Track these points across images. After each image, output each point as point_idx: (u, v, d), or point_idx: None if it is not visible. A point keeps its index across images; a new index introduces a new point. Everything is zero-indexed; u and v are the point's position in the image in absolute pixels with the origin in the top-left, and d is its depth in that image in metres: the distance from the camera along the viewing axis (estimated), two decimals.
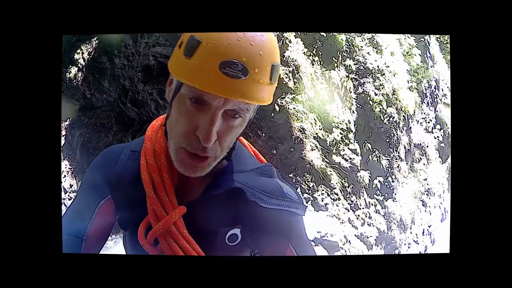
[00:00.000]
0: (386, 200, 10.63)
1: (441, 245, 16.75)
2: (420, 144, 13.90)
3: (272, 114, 9.04)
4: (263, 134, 9.00)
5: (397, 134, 10.96)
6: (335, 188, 9.36)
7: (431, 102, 17.38)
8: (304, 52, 10.08)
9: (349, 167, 9.58)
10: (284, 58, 9.43)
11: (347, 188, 9.60)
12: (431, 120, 16.13)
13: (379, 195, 10.43)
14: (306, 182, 9.22)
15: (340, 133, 9.65)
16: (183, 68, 1.57)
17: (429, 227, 14.47)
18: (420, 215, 13.39)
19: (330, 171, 9.31)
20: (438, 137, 15.78)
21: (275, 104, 9.04)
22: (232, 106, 1.59)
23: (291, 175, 9.22)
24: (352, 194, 9.74)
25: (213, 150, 1.67)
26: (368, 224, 10.05)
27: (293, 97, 9.19)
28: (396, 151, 10.93)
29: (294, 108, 9.15)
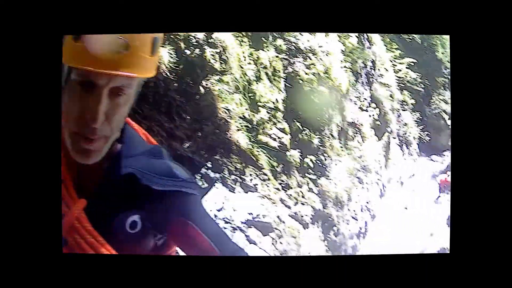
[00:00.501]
0: (319, 179, 10.59)
1: (382, 220, 17.02)
2: (354, 122, 13.98)
3: (197, 96, 8.75)
4: (187, 117, 8.69)
5: (328, 112, 10.91)
6: (263, 168, 9.21)
7: (366, 82, 17.56)
8: (233, 33, 9.82)
9: (278, 146, 9.44)
10: (212, 40, 9.14)
11: (276, 168, 9.47)
12: (365, 99, 16.28)
13: (311, 173, 10.37)
14: (233, 163, 9.00)
15: (268, 112, 9.48)
16: (72, 53, 1.65)
17: (367, 203, 14.64)
18: (357, 191, 13.50)
19: (258, 151, 9.14)
20: (373, 115, 15.95)
21: (200, 86, 8.75)
22: (117, 83, 1.67)
23: (217, 157, 8.94)
24: (282, 174, 9.63)
25: (103, 131, 1.71)
26: (301, 203, 9.98)
27: (219, 78, 8.92)
28: (327, 129, 10.89)
29: (219, 89, 8.88)
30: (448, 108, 28.34)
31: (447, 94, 30.14)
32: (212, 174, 9.00)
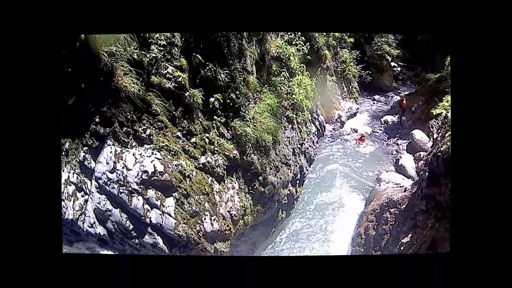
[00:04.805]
0: (232, 121, 8.95)
1: (320, 165, 15.80)
2: (280, 56, 12.34)
3: (77, 43, 7.00)
4: (69, 69, 6.99)
5: (238, 43, 9.18)
6: (158, 114, 7.52)
7: None
8: None
9: (174, 87, 7.73)
10: None
11: (174, 112, 7.79)
12: (294, 33, 14.61)
13: (220, 115, 8.71)
14: (124, 113, 7.33)
15: (160, 49, 7.71)
16: None
17: (301, 145, 13.21)
18: (286, 133, 12.01)
19: (150, 95, 7.42)
20: (302, 49, 14.31)
21: (81, 35, 7.01)
22: None
23: (104, 109, 7.32)
24: (182, 119, 7.96)
25: None
26: (211, 151, 8.37)
27: None
28: (238, 63, 9.18)
29: None
30: (391, 50, 27.45)
31: (390, 37, 29.36)
32: (101, 130, 7.45)
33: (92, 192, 7.35)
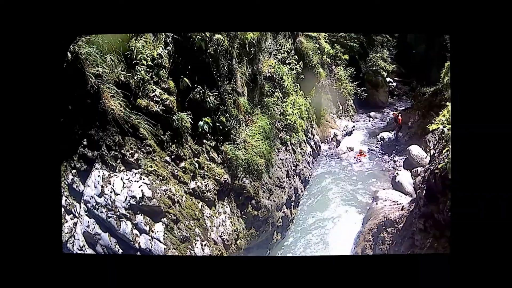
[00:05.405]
0: (222, 145, 8.79)
1: (316, 186, 15.58)
2: (273, 76, 12.24)
3: (64, 64, 6.83)
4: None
5: (227, 64, 9.05)
6: (146, 138, 7.35)
7: (289, 34, 15.80)
8: None
9: (161, 110, 7.58)
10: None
11: (162, 136, 7.63)
12: (287, 52, 14.58)
13: (209, 139, 8.55)
14: (111, 137, 7.17)
15: (148, 71, 7.58)
16: None
17: (296, 166, 13.05)
18: (280, 155, 11.84)
19: (137, 118, 7.26)
20: (296, 68, 14.23)
21: (68, 52, 6.87)
22: None
23: (92, 132, 7.15)
24: (170, 143, 7.79)
25: None
26: (201, 176, 8.18)
27: (88, 39, 7.06)
28: (228, 84, 9.04)
29: (87, 51, 7.01)
30: (386, 66, 27.43)
31: (385, 52, 29.41)
32: (89, 153, 7.27)
33: (81, 215, 7.19)
